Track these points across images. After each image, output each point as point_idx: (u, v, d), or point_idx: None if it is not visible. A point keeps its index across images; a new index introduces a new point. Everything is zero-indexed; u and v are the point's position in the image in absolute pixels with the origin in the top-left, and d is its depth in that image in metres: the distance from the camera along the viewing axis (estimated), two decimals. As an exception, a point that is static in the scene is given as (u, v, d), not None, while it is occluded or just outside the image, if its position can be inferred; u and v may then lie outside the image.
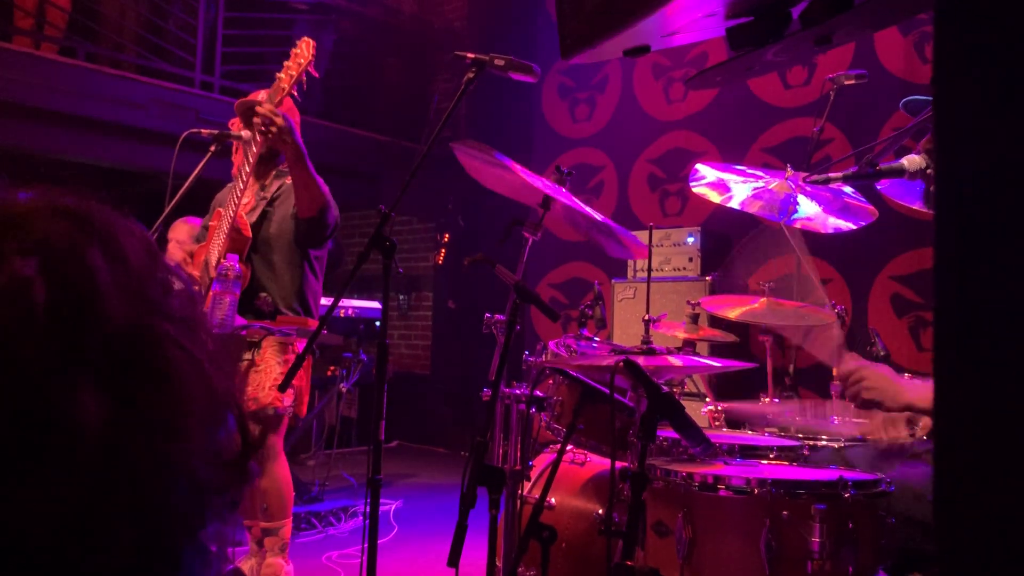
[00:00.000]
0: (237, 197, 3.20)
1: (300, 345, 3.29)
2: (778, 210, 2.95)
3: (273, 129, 3.06)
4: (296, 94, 3.24)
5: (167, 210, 3.32)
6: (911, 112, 2.05)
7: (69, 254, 0.49)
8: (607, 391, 2.30)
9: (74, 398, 0.46)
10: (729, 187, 3.03)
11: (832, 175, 2.09)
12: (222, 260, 3.08)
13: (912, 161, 2.07)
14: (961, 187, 0.56)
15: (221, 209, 3.32)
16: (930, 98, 2.00)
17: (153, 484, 0.49)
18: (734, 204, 2.97)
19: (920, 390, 1.99)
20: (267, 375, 3.18)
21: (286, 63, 3.22)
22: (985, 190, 0.54)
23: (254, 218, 3.32)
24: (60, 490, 0.45)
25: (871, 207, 3.03)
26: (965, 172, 0.56)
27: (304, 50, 3.18)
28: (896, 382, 2.00)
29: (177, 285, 0.56)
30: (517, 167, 2.50)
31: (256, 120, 3.09)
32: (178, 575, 0.51)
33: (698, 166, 2.92)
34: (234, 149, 3.39)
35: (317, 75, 3.25)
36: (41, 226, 0.50)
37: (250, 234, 3.24)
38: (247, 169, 3.20)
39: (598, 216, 2.57)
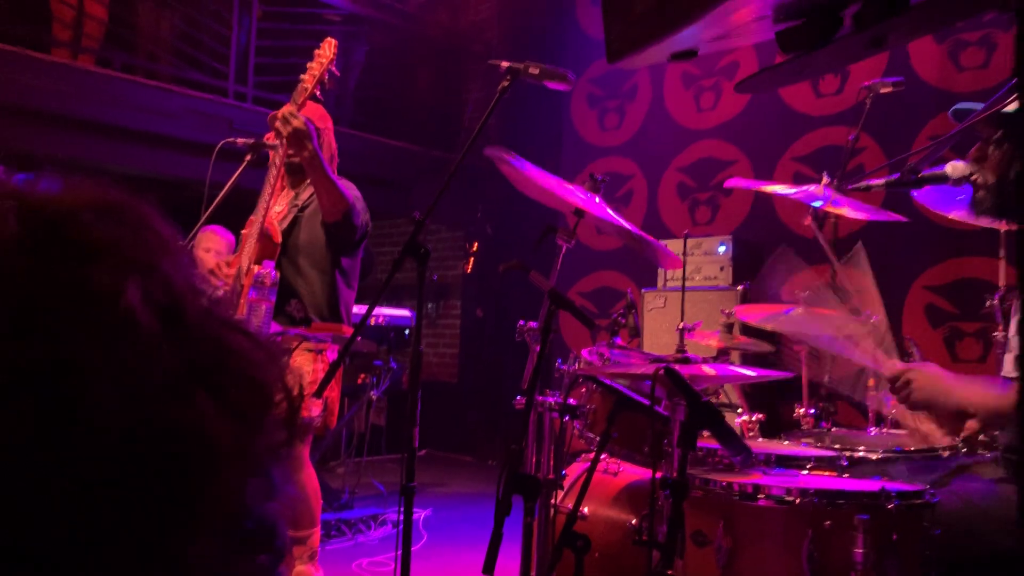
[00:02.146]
0: (266, 204, 3.22)
1: (332, 353, 3.30)
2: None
3: (289, 129, 3.05)
4: (319, 94, 3.26)
5: (202, 220, 3.35)
6: (959, 119, 2.02)
7: (152, 268, 0.47)
8: (642, 399, 2.29)
9: (207, 418, 0.46)
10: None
11: (873, 182, 2.07)
12: (254, 267, 3.10)
13: (956, 168, 2.04)
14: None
15: (253, 216, 3.35)
16: (978, 105, 1.98)
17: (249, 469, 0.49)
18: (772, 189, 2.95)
19: (971, 389, 1.95)
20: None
21: (309, 64, 3.25)
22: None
23: (285, 225, 3.33)
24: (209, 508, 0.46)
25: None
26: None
27: (326, 50, 3.22)
28: (946, 383, 1.96)
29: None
30: (547, 178, 2.50)
31: (277, 122, 3.09)
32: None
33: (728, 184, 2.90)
34: (270, 161, 3.42)
35: (338, 74, 3.28)
36: (113, 234, 0.47)
37: (280, 240, 3.25)
38: (273, 172, 3.22)
39: (631, 227, 2.57)
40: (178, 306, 0.47)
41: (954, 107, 2.03)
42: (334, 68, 3.24)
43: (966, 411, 2.03)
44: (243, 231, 3.41)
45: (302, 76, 3.25)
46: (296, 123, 3.07)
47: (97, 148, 5.51)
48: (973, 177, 2.01)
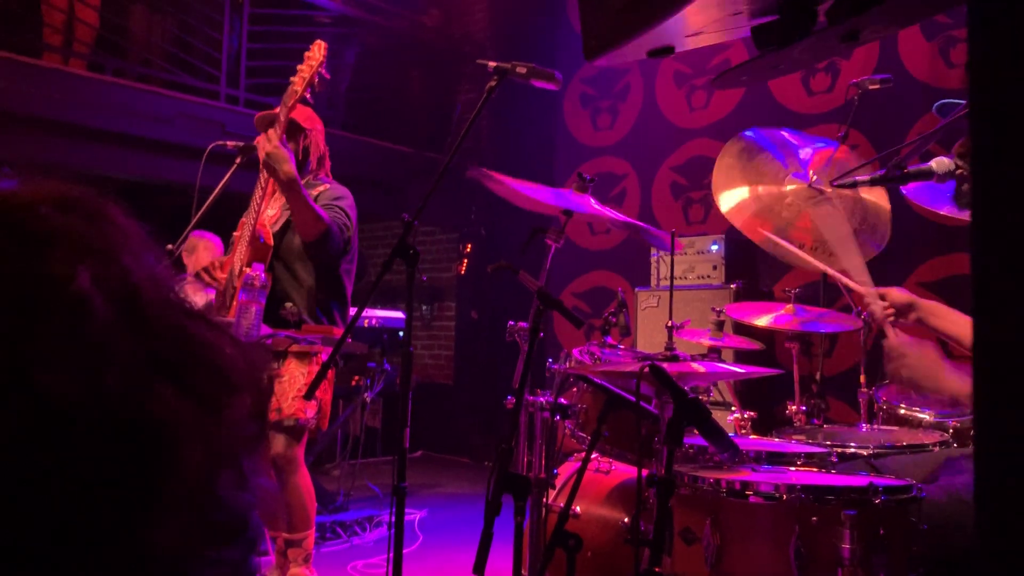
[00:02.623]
0: (257, 206, 3.22)
1: (325, 355, 3.30)
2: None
3: (262, 155, 3.05)
4: (309, 96, 3.27)
5: (193, 222, 3.35)
6: (944, 115, 2.04)
7: (108, 257, 0.47)
8: (632, 398, 2.29)
9: (167, 405, 0.45)
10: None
11: (859, 178, 2.08)
12: (246, 269, 3.10)
13: (941, 163, 2.05)
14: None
15: (244, 218, 3.35)
16: (962, 101, 1.98)
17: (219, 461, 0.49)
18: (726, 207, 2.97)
19: (961, 378, 1.97)
20: (291, 385, 3.19)
21: (299, 67, 3.25)
22: None
23: (278, 228, 3.33)
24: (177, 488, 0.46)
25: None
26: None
27: (316, 52, 3.23)
28: (939, 366, 1.98)
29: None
30: (534, 189, 2.50)
31: (256, 143, 3.11)
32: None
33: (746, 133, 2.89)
34: (261, 164, 3.41)
35: (328, 76, 3.28)
36: (69, 225, 0.48)
37: (272, 242, 3.25)
38: (264, 176, 3.22)
39: (624, 217, 2.57)
40: (136, 294, 0.47)
41: (938, 103, 2.05)
42: (324, 71, 3.24)
43: (952, 397, 2.06)
44: (235, 233, 3.42)
45: (292, 79, 3.25)
46: (269, 147, 3.06)
47: (89, 153, 5.50)
48: (958, 172, 2.02)
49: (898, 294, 2.37)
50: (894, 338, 2.12)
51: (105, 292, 0.45)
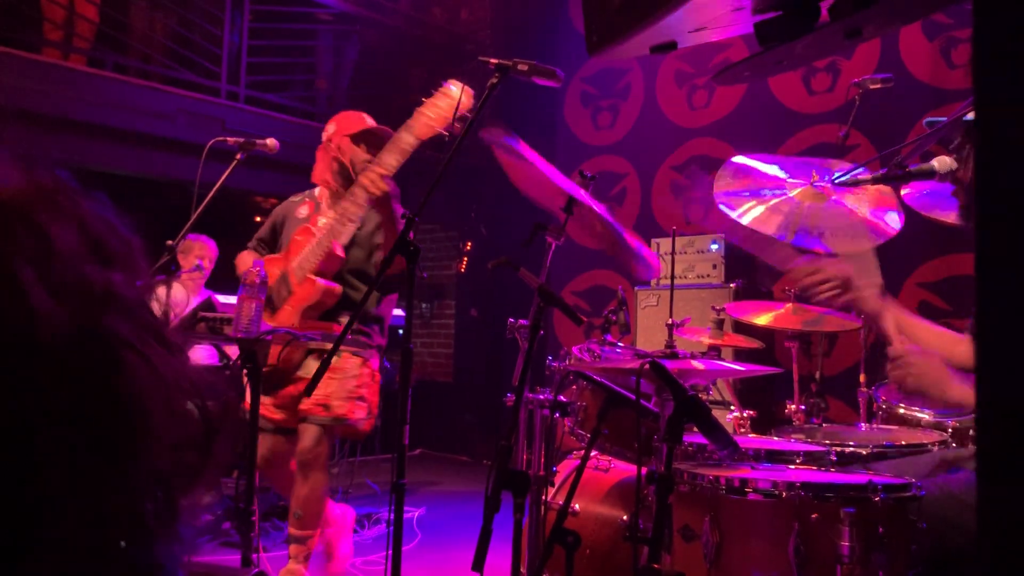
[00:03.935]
0: (336, 220, 3.30)
1: (375, 361, 3.44)
2: (796, 229, 2.91)
3: (377, 193, 3.16)
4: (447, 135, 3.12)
5: (192, 219, 3.35)
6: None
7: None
8: (631, 396, 2.29)
9: (30, 449, 0.41)
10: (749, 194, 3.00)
11: (861, 177, 2.08)
12: (310, 275, 3.25)
13: (943, 162, 2.05)
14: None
15: (311, 227, 3.42)
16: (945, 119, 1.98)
17: (120, 496, 0.45)
18: (746, 220, 2.94)
19: (968, 387, 1.96)
20: (341, 385, 3.25)
21: (432, 101, 3.10)
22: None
23: (345, 242, 3.40)
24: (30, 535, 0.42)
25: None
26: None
27: (459, 93, 3.04)
28: (945, 374, 1.97)
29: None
30: (543, 163, 2.50)
31: (365, 181, 3.16)
32: (157, 568, 0.48)
33: (734, 159, 2.87)
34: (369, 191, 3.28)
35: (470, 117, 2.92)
36: None
37: (344, 256, 3.35)
38: (318, 191, 3.40)
39: (619, 227, 2.57)
40: (24, 311, 0.43)
41: (927, 120, 2.05)
42: (469, 113, 2.96)
43: (959, 407, 2.05)
44: (296, 236, 3.41)
45: (421, 109, 3.10)
46: (384, 187, 3.17)
47: (88, 149, 5.50)
48: (959, 173, 2.02)
49: (837, 267, 2.30)
50: (899, 345, 2.11)
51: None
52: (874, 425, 3.06)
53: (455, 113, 2.96)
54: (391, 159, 3.17)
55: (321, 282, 3.25)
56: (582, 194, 2.51)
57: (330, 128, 3.63)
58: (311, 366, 3.21)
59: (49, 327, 0.43)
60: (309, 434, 3.17)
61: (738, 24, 1.11)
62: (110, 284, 0.47)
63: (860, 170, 2.22)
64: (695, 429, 1.85)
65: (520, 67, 2.56)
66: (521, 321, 2.59)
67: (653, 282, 5.68)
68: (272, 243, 3.61)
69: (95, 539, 0.44)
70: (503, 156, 2.55)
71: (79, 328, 0.44)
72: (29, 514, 0.42)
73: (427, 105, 3.09)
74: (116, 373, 0.45)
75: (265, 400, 3.17)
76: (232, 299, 2.95)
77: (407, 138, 3.14)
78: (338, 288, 3.30)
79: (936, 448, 2.63)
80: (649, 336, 5.35)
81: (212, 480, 0.53)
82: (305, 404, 3.18)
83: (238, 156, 3.43)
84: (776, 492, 1.79)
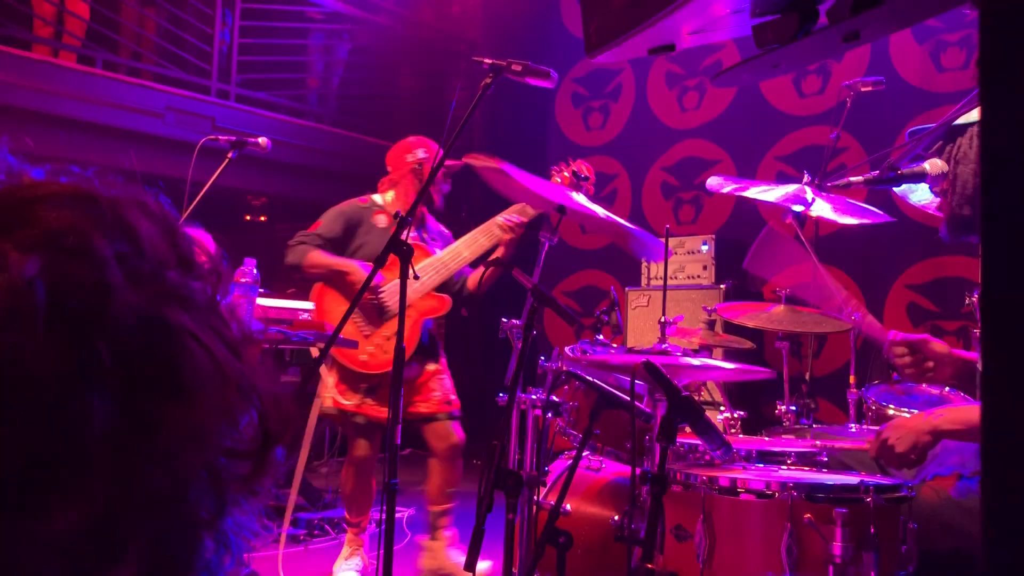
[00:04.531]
0: (466, 246, 3.73)
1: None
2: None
3: (512, 239, 3.53)
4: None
5: (183, 217, 3.34)
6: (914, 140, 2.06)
7: (74, 247, 0.45)
8: (624, 397, 2.30)
9: (81, 409, 0.43)
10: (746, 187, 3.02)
11: (853, 179, 2.09)
12: (424, 290, 3.70)
13: (934, 164, 2.06)
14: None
15: (423, 245, 3.76)
16: (932, 125, 2.00)
17: (168, 485, 0.46)
18: (749, 194, 2.95)
19: (943, 412, 1.95)
20: (450, 383, 3.91)
21: (556, 173, 3.44)
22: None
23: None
24: (71, 515, 0.43)
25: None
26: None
27: (585, 171, 3.41)
28: (921, 421, 1.94)
29: (201, 260, 0.53)
30: (533, 180, 2.50)
31: (505, 225, 3.55)
32: (197, 567, 0.49)
33: (711, 179, 2.88)
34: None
35: (591, 190, 3.40)
36: (45, 215, 0.46)
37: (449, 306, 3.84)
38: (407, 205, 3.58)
39: (616, 218, 2.58)
40: (102, 293, 0.46)
41: (910, 131, 2.07)
42: (591, 186, 3.40)
43: (952, 435, 2.00)
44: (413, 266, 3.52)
45: (556, 177, 3.43)
46: (519, 232, 3.55)
47: (77, 146, 5.46)
48: (950, 176, 2.03)
49: (934, 345, 2.17)
50: (911, 335, 2.07)
51: (57, 282, 0.44)
52: (864, 426, 3.07)
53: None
54: (529, 210, 3.55)
55: (447, 298, 3.83)
56: (574, 202, 2.51)
57: (419, 152, 3.86)
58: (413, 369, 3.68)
59: (121, 303, 0.45)
60: (452, 427, 3.75)
61: (736, 27, 1.11)
62: (187, 288, 0.50)
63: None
64: (687, 429, 1.86)
65: (514, 67, 2.57)
66: (514, 321, 2.59)
67: (643, 282, 5.69)
68: (341, 244, 3.69)
69: (124, 502, 0.45)
70: (489, 176, 2.56)
71: (148, 312, 0.47)
72: (63, 462, 0.43)
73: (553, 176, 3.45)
74: (177, 354, 0.47)
75: (369, 401, 3.60)
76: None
77: (530, 210, 3.53)
78: (450, 301, 3.80)
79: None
80: (640, 336, 5.37)
81: (263, 489, 0.53)
82: (432, 405, 3.76)
83: (230, 155, 3.42)
84: (769, 492, 1.80)
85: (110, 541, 0.44)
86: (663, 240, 2.83)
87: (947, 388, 2.89)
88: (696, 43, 1.16)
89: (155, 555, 0.46)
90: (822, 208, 2.83)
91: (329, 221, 3.69)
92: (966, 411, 1.96)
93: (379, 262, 2.48)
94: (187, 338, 0.48)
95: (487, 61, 2.58)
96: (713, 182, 2.78)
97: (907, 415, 1.99)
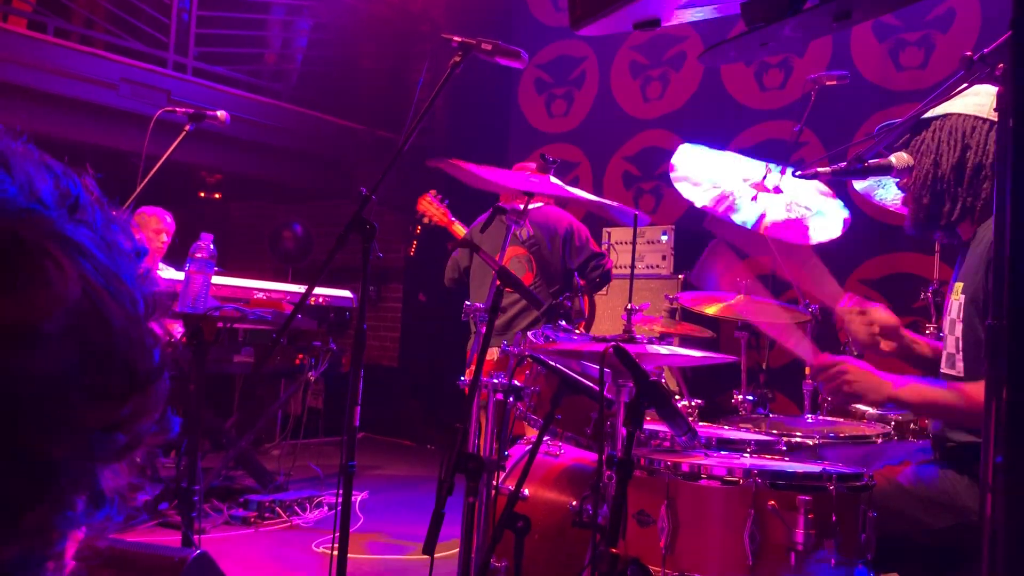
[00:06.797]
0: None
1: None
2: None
3: None
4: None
5: (136, 191, 3.25)
6: (883, 135, 2.08)
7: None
8: (586, 382, 2.28)
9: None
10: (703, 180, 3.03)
11: (820, 169, 2.10)
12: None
13: (900, 158, 2.08)
14: None
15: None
16: (899, 120, 2.02)
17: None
18: (702, 202, 2.97)
19: (904, 383, 1.99)
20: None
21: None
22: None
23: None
24: None
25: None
26: None
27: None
28: (878, 375, 2.00)
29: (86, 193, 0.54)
30: (501, 175, 2.48)
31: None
32: (68, 520, 0.48)
33: (682, 148, 2.89)
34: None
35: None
36: None
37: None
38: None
39: (589, 196, 2.58)
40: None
41: (880, 126, 2.09)
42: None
43: (899, 404, 2.07)
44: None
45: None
46: None
47: (27, 115, 5.28)
48: (914, 168, 2.05)
49: (885, 315, 2.30)
50: (823, 358, 2.12)
51: None
52: (819, 416, 3.11)
53: None
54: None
55: None
56: (543, 185, 2.49)
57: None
58: None
59: None
60: None
61: (725, 4, 1.10)
62: (60, 215, 0.51)
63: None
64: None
65: (484, 46, 2.53)
66: (477, 304, 2.57)
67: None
68: None
69: None
70: (456, 173, 2.54)
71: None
72: None
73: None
74: (25, 265, 0.47)
75: None
76: (180, 274, 2.87)
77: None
78: None
79: (880, 440, 2.68)
80: (599, 325, 5.37)
81: (136, 432, 0.52)
82: None
83: (187, 127, 3.33)
84: (733, 479, 1.80)
85: None
86: (621, 237, 2.83)
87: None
88: (683, 20, 1.14)
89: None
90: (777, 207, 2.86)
91: None
92: (928, 389, 1.99)
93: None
94: (46, 260, 0.48)
95: (456, 39, 2.53)
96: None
97: (867, 367, 2.02)
